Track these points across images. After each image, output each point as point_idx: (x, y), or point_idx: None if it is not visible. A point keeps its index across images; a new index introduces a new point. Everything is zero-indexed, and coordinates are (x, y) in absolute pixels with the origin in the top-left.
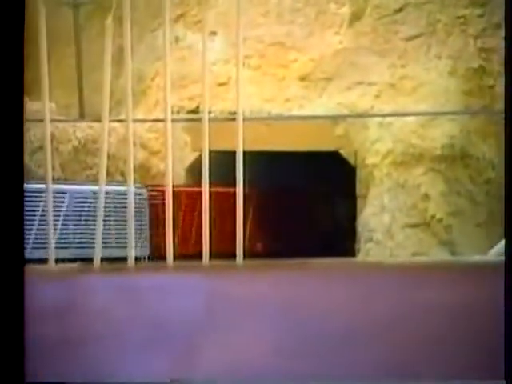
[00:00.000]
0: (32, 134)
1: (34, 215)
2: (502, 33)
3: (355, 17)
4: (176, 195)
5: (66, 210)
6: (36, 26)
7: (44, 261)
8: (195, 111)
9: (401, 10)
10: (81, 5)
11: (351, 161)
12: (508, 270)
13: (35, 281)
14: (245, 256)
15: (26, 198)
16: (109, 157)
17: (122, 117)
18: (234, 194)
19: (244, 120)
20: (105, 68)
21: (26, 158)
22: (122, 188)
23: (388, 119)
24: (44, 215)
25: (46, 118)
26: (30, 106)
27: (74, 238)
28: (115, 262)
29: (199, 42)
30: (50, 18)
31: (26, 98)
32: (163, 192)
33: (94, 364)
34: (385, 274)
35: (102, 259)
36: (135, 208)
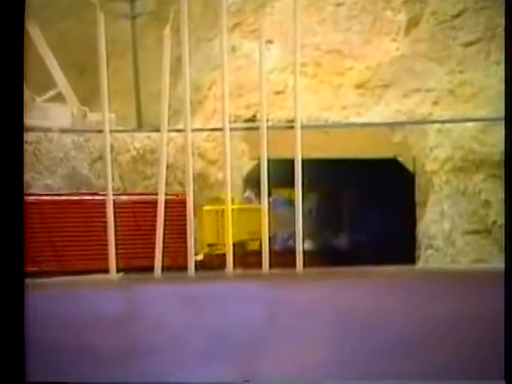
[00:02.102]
0: (91, 144)
1: None
2: None
3: (412, 23)
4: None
5: None
6: (95, 37)
7: None
8: (252, 120)
9: (458, 15)
10: (138, 16)
11: (410, 168)
12: (508, 276)
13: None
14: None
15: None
16: (167, 166)
17: (180, 126)
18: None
19: (302, 128)
20: (163, 78)
21: (86, 169)
22: None
23: (447, 125)
24: None
25: (106, 128)
26: (90, 117)
27: None
28: None
29: (255, 50)
30: (108, 30)
31: (85, 109)
32: None
33: (154, 372)
34: (444, 281)
35: None
36: None
